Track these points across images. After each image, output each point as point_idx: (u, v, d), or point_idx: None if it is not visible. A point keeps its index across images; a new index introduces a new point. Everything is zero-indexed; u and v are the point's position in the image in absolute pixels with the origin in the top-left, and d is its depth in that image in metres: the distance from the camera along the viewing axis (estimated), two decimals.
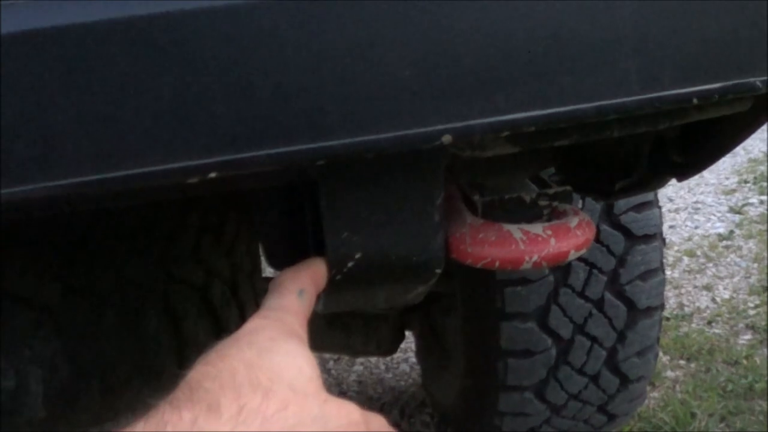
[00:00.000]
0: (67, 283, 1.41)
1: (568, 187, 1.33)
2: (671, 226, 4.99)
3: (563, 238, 1.19)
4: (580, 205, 2.23)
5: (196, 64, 0.82)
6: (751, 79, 1.02)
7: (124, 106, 0.82)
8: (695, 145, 1.40)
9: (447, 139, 0.88)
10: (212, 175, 0.85)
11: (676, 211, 5.28)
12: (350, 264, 1.05)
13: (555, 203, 1.31)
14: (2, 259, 1.32)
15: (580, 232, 1.21)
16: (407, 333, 3.02)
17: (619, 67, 0.93)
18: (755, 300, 3.92)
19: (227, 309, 1.60)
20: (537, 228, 1.19)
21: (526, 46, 0.89)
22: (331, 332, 2.66)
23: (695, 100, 0.98)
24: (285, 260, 1.15)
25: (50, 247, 1.37)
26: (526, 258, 1.16)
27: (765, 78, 1.03)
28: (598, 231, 2.30)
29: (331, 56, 0.84)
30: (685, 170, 1.46)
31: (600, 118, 0.94)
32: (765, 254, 4.40)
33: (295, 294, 0.97)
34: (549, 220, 1.29)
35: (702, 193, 5.57)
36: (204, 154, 0.84)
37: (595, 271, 2.33)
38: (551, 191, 1.31)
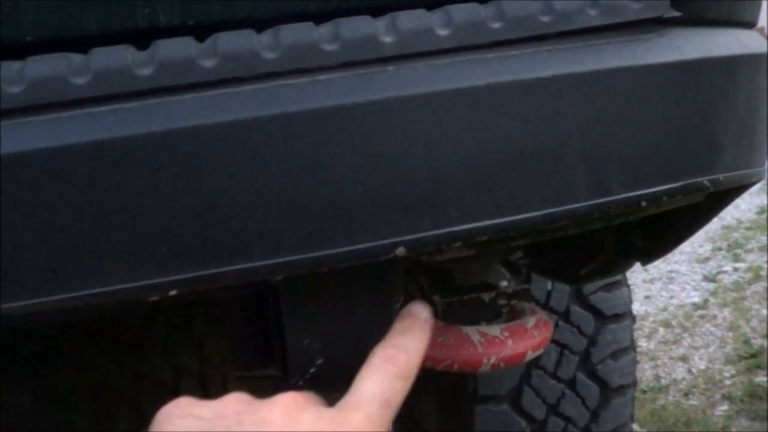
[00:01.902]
0: (37, 387, 1.42)
1: (527, 286, 1.36)
2: (646, 297, 5.03)
3: (520, 339, 1.21)
4: (549, 287, 2.26)
5: (152, 185, 0.85)
6: (699, 179, 1.06)
7: (81, 228, 0.84)
8: (657, 230, 1.42)
9: (401, 251, 0.90)
10: (173, 292, 0.87)
11: (651, 281, 5.31)
12: (312, 370, 1.07)
13: (513, 302, 1.33)
14: None
15: (537, 333, 1.23)
16: None
17: (566, 176, 0.96)
18: (731, 370, 3.94)
19: None
20: (494, 330, 1.21)
21: (475, 159, 0.92)
22: None
23: (644, 203, 1.01)
24: (252, 362, 1.17)
25: (19, 352, 1.39)
26: (485, 360, 1.18)
27: (712, 177, 1.07)
28: (569, 312, 2.33)
29: (283, 176, 0.86)
30: (649, 255, 1.48)
31: (551, 225, 0.97)
32: (740, 323, 4.42)
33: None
34: (508, 319, 1.31)
35: (676, 262, 5.61)
36: (163, 273, 0.86)
37: (566, 351, 2.36)
38: (510, 290, 1.34)
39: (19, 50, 0.91)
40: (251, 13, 1.01)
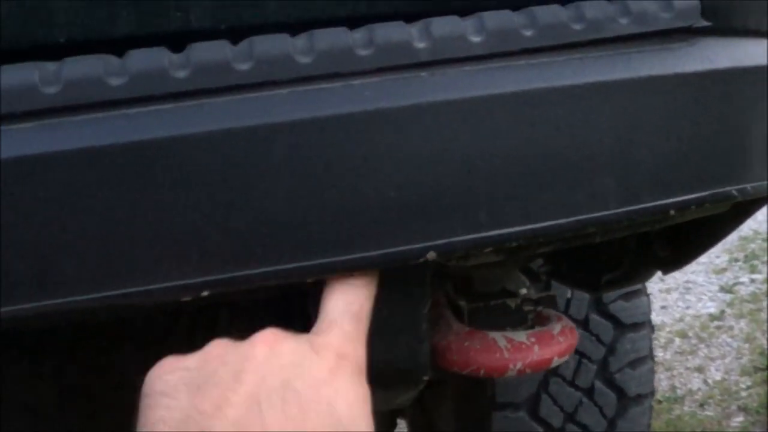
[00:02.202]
0: (62, 386, 1.43)
1: (552, 293, 1.36)
2: (663, 307, 5.02)
3: (546, 345, 1.22)
4: (569, 295, 2.26)
5: (188, 186, 0.86)
6: (727, 188, 1.06)
7: (118, 228, 0.85)
8: (680, 240, 1.42)
9: (431, 255, 0.91)
10: (205, 293, 0.88)
11: (668, 291, 5.30)
12: None
13: (539, 308, 1.34)
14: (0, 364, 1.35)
15: (563, 339, 1.24)
16: (399, 420, 3.02)
17: (597, 183, 0.96)
18: (747, 381, 3.93)
19: None
20: (521, 335, 1.22)
21: (506, 165, 0.92)
22: None
23: (672, 211, 1.02)
24: None
25: (45, 351, 1.40)
26: (511, 366, 1.19)
27: (740, 186, 1.07)
28: (587, 320, 2.33)
29: (318, 179, 0.87)
30: (671, 264, 1.49)
31: (579, 232, 0.97)
32: (756, 334, 4.41)
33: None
34: (533, 325, 1.32)
35: (693, 272, 5.59)
36: (197, 274, 0.87)
37: (584, 359, 2.36)
38: (535, 296, 1.34)
39: (52, 52, 0.93)
40: (283, 18, 1.02)
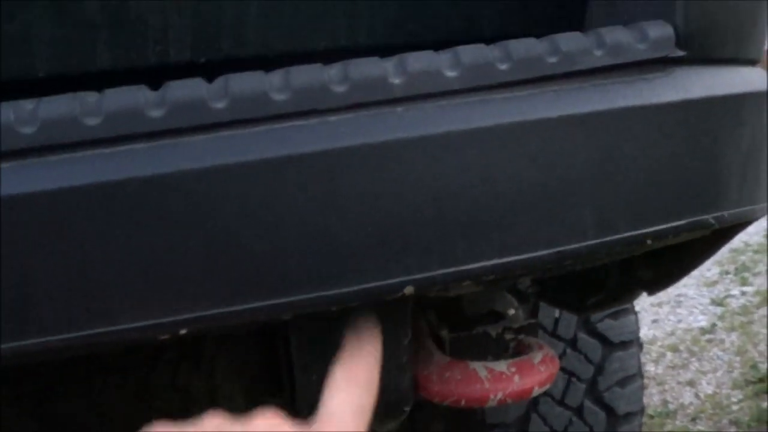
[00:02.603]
0: (45, 416, 1.43)
1: (534, 321, 1.37)
2: (654, 321, 5.02)
3: (527, 374, 1.22)
4: (557, 315, 2.27)
5: (163, 225, 0.86)
6: (704, 217, 1.07)
7: (93, 267, 0.85)
8: (663, 262, 1.43)
9: (409, 290, 0.91)
10: (183, 331, 0.88)
11: (659, 304, 5.30)
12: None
13: (520, 336, 1.34)
14: None
15: (544, 368, 1.24)
16: None
17: (574, 215, 0.97)
18: (738, 394, 3.93)
19: None
20: (501, 365, 1.22)
21: (483, 198, 0.93)
22: None
23: (649, 241, 1.02)
24: (262, 392, 1.17)
25: (28, 381, 1.40)
26: (491, 396, 1.19)
27: (718, 214, 1.07)
28: (576, 339, 2.34)
29: (293, 216, 0.88)
30: (655, 285, 1.49)
31: (558, 263, 0.98)
32: (747, 347, 4.42)
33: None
34: (515, 353, 1.32)
35: (684, 285, 5.58)
36: (173, 312, 0.87)
37: (573, 378, 2.36)
38: (517, 325, 1.35)
39: (30, 86, 0.93)
40: (260, 51, 1.03)
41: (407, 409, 1.13)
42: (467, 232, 0.93)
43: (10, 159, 0.86)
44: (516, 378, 1.22)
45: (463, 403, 1.21)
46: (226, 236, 0.87)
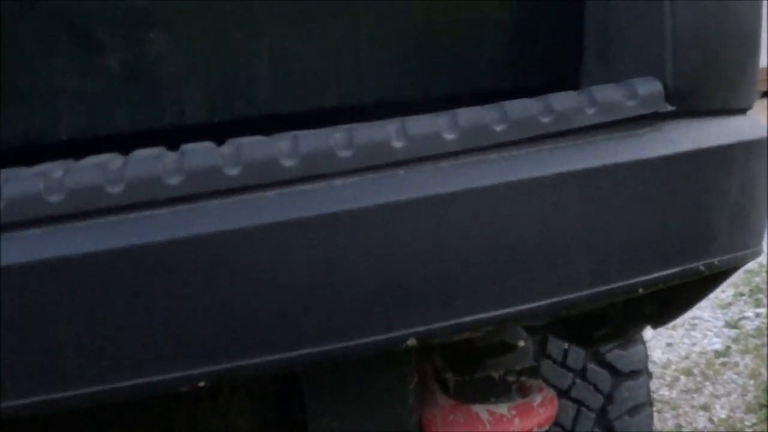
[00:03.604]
0: None
1: (535, 363, 1.42)
2: (668, 344, 5.04)
3: (527, 416, 1.28)
4: (566, 346, 2.31)
5: (183, 288, 0.92)
6: (694, 264, 1.11)
7: (117, 326, 0.91)
8: (666, 298, 1.47)
9: (412, 342, 0.97)
10: (201, 384, 0.94)
11: (674, 327, 5.31)
12: None
13: (522, 378, 1.40)
14: None
15: (543, 410, 1.30)
16: None
17: (567, 267, 1.02)
18: (752, 418, 3.96)
19: None
20: (502, 408, 1.28)
21: (481, 255, 0.98)
22: None
23: (641, 289, 1.07)
24: (277, 430, 1.23)
25: (46, 429, 1.45)
26: None
27: (707, 261, 1.12)
28: (585, 369, 2.38)
29: (303, 276, 0.94)
30: (659, 320, 1.53)
31: (552, 313, 1.03)
32: (761, 370, 4.44)
33: None
34: (517, 394, 1.37)
35: (699, 308, 5.59)
36: (192, 366, 0.93)
37: (583, 408, 2.40)
38: (518, 368, 1.40)
39: (54, 149, 0.99)
40: (272, 111, 1.09)
41: None
42: (465, 287, 0.98)
43: (40, 226, 0.92)
44: (516, 420, 1.27)
45: None
46: (239, 295, 0.93)
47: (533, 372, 1.42)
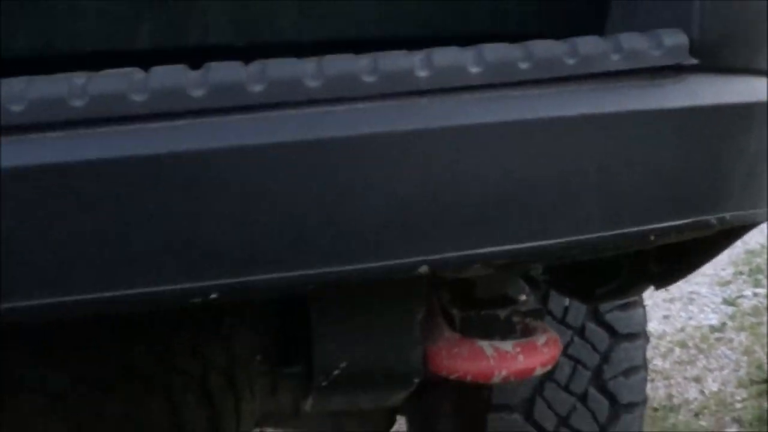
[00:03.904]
0: (75, 372, 1.50)
1: (540, 307, 1.43)
2: (665, 316, 5.06)
3: (531, 355, 1.29)
4: (567, 303, 2.32)
5: (201, 197, 0.93)
6: (706, 217, 1.12)
7: (137, 232, 0.92)
8: (672, 257, 1.48)
9: (424, 269, 0.98)
10: (213, 296, 0.95)
11: (671, 300, 5.34)
12: (335, 372, 1.15)
13: (527, 320, 1.41)
14: (15, 349, 1.42)
15: (547, 350, 1.31)
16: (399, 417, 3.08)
17: (581, 208, 1.03)
18: (743, 393, 3.98)
19: (224, 398, 1.69)
20: (507, 345, 1.29)
21: (497, 188, 0.99)
22: (323, 414, 2.72)
23: (653, 237, 1.08)
24: (278, 359, 1.24)
25: (59, 338, 1.47)
26: (496, 373, 1.26)
27: (719, 215, 1.13)
28: (584, 328, 2.39)
29: (321, 195, 0.94)
30: (663, 280, 1.54)
31: (564, 253, 1.04)
32: (755, 347, 4.46)
33: None
34: (521, 335, 1.39)
35: (697, 283, 5.62)
36: (206, 278, 0.94)
37: (579, 366, 2.41)
38: (524, 309, 1.41)
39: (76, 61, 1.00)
40: (296, 37, 1.09)
41: (417, 380, 1.20)
42: (480, 218, 0.99)
43: (60, 129, 0.92)
44: (520, 357, 1.29)
45: (468, 378, 1.28)
46: (254, 211, 0.94)
47: (538, 314, 1.44)
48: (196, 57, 1.03)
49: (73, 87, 0.94)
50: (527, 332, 1.40)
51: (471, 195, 0.99)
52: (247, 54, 1.02)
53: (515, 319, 1.41)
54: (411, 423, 3.16)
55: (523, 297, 1.49)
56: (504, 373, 1.28)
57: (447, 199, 0.98)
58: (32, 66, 0.98)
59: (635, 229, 1.06)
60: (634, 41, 1.08)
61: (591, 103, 1.04)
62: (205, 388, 1.67)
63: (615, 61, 1.07)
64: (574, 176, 1.03)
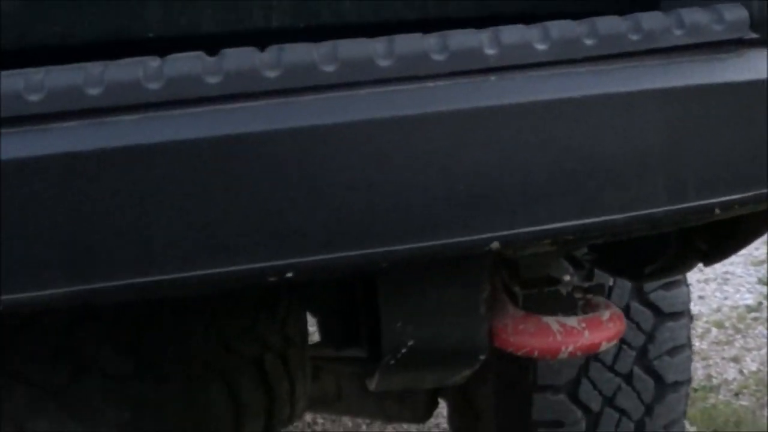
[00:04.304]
0: (138, 355, 1.53)
1: (602, 281, 1.44)
2: (700, 297, 5.05)
3: (596, 330, 1.30)
4: (611, 283, 2.33)
5: (276, 176, 0.94)
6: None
7: (215, 212, 0.94)
8: (720, 234, 1.49)
9: (495, 245, 0.99)
10: (289, 274, 0.97)
11: (706, 281, 5.32)
12: (403, 350, 1.16)
13: (589, 296, 1.42)
14: (82, 332, 1.45)
15: (612, 325, 1.32)
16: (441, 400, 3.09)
17: (647, 183, 1.04)
18: None
19: (279, 380, 1.71)
20: (572, 321, 1.30)
21: (565, 164, 1.00)
22: (365, 398, 2.74)
23: (717, 210, 1.09)
24: (338, 341, 1.26)
25: (124, 322, 1.49)
26: (563, 349, 1.27)
27: None
28: (628, 308, 2.39)
29: (395, 173, 0.96)
30: (711, 257, 1.55)
31: (631, 227, 1.05)
32: None
33: None
34: (583, 311, 1.40)
35: (732, 263, 5.59)
36: (284, 256, 0.96)
37: (624, 346, 2.42)
38: (585, 285, 1.42)
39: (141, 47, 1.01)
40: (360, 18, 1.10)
41: (483, 357, 1.21)
42: (549, 195, 1.00)
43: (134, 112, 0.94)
44: (586, 333, 1.30)
45: (536, 354, 1.29)
46: (327, 190, 0.95)
47: (600, 289, 1.45)
48: (259, 40, 1.04)
49: (148, 70, 0.95)
50: (590, 308, 1.41)
51: (540, 171, 1.00)
52: (307, 38, 1.04)
53: (577, 295, 1.42)
54: (453, 406, 3.17)
55: (567, 278, 1.50)
56: (570, 348, 1.29)
57: (517, 176, 0.99)
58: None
59: (700, 202, 1.07)
60: (695, 16, 1.09)
61: (655, 78, 1.05)
62: (261, 370, 1.69)
63: (677, 36, 1.08)
64: (639, 151, 1.04)
